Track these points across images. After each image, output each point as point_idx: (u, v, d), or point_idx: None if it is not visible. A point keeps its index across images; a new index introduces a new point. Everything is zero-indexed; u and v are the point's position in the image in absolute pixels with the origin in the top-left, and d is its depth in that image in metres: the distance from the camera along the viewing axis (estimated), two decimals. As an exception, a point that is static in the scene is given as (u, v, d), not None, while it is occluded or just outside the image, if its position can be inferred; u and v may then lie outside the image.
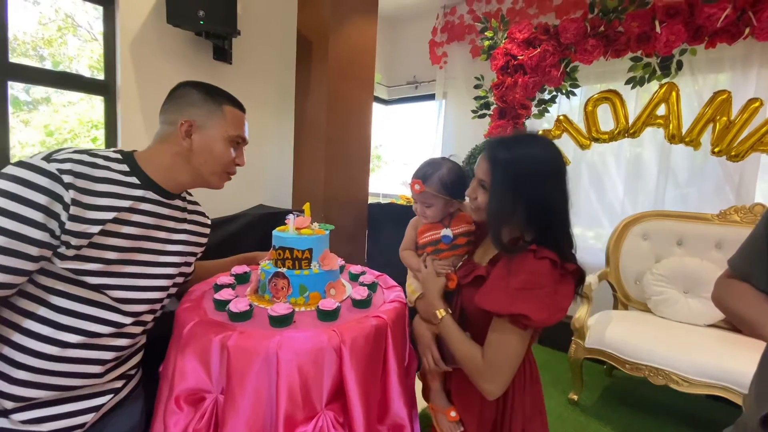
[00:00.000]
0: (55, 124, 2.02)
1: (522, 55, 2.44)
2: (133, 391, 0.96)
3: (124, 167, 0.83)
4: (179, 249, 0.93)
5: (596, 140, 2.33)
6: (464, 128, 3.23)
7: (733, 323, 0.81)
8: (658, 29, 2.04)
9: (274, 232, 1.09)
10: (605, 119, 2.27)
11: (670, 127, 2.09)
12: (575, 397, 2.02)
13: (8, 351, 0.74)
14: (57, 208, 0.69)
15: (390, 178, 4.30)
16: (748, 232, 0.81)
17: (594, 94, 2.28)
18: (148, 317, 0.91)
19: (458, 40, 3.22)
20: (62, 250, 0.72)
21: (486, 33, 2.56)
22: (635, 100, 2.50)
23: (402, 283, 1.23)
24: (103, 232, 0.75)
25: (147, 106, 1.89)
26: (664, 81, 2.12)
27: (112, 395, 0.87)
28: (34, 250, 0.68)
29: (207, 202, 2.07)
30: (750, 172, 2.19)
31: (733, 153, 1.95)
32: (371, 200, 2.62)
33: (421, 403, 1.12)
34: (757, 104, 1.89)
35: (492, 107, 2.64)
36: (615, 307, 2.29)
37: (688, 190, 2.41)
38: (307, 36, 2.27)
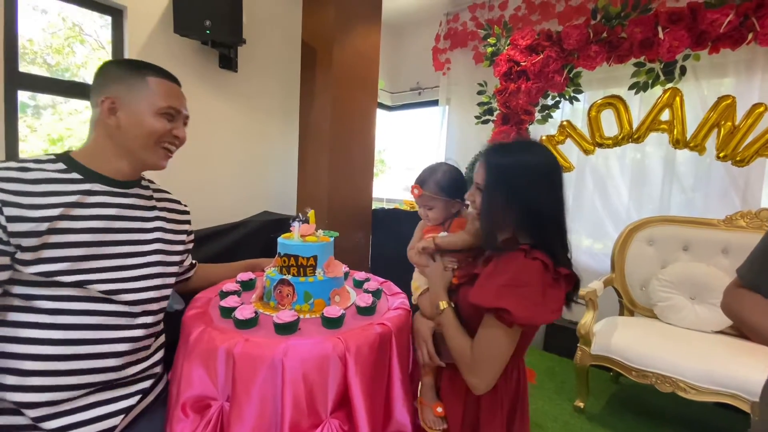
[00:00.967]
0: (59, 132, 2.04)
1: (525, 62, 2.45)
2: (161, 393, 0.96)
3: (60, 166, 0.82)
4: (157, 236, 0.94)
5: (600, 146, 2.32)
6: (468, 134, 3.23)
7: (744, 332, 0.81)
8: (661, 35, 2.04)
9: (279, 240, 1.10)
10: (609, 124, 2.27)
11: (675, 132, 2.09)
12: (581, 405, 2.00)
13: (15, 363, 0.75)
14: None
15: (394, 183, 4.31)
16: (754, 237, 0.82)
17: (597, 99, 2.28)
18: (153, 306, 0.91)
19: (461, 46, 3.23)
20: (20, 255, 0.74)
21: (489, 40, 2.58)
22: (639, 105, 2.50)
23: (406, 288, 1.24)
24: (54, 230, 0.76)
25: (154, 114, 1.91)
26: (667, 86, 2.12)
27: (140, 396, 0.88)
28: None
29: (213, 209, 2.11)
30: (756, 177, 2.17)
31: (738, 158, 1.94)
32: (375, 205, 2.63)
33: None
34: (761, 109, 1.89)
35: (495, 113, 2.64)
36: (621, 314, 2.27)
37: (694, 195, 2.39)
38: (311, 44, 2.30)
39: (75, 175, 0.82)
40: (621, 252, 2.25)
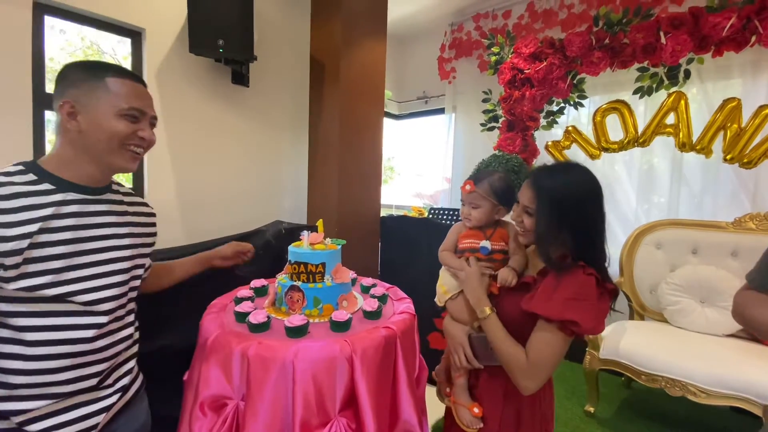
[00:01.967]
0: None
1: (528, 69, 2.49)
2: (139, 390, 0.99)
3: (30, 177, 0.79)
4: (128, 242, 0.93)
5: (606, 150, 2.34)
6: (474, 140, 3.27)
7: (754, 333, 0.81)
8: (663, 40, 2.06)
9: (290, 248, 1.16)
10: (615, 129, 2.29)
11: (680, 135, 2.10)
12: (591, 409, 2.00)
13: (2, 377, 0.76)
14: None
15: (403, 190, 4.37)
16: (763, 239, 0.83)
17: (602, 104, 2.30)
18: (121, 312, 0.91)
19: (466, 55, 3.29)
20: (3, 273, 0.73)
21: (492, 49, 2.63)
22: (644, 109, 2.51)
23: (413, 292, 1.27)
24: (34, 245, 0.75)
25: (171, 129, 2.01)
26: (672, 90, 2.13)
27: (120, 394, 0.91)
28: None
29: (227, 219, 2.19)
30: (765, 178, 2.16)
31: (745, 160, 1.94)
32: (384, 212, 2.68)
33: (434, 414, 1.14)
34: (767, 111, 1.89)
35: (500, 120, 2.68)
36: (631, 318, 2.26)
37: (703, 198, 2.38)
38: (319, 59, 2.38)
39: (46, 186, 0.80)
40: (629, 256, 2.25)
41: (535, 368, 0.85)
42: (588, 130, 2.40)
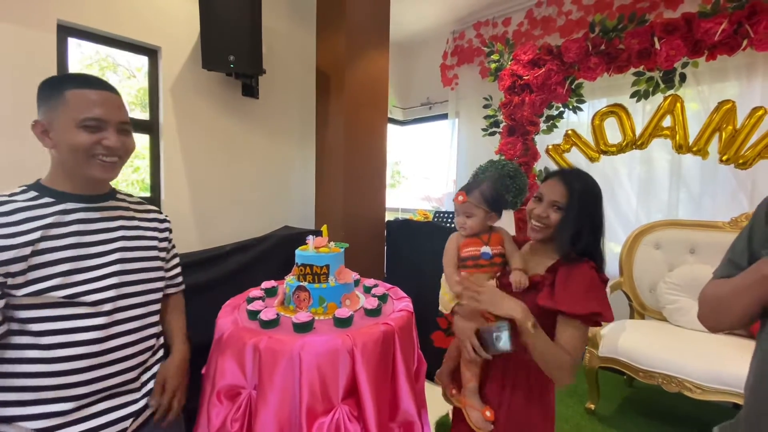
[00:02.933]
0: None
1: (527, 75, 2.56)
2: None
3: (31, 194, 0.85)
4: (137, 244, 0.97)
5: (605, 153, 2.39)
6: (477, 145, 3.35)
7: (723, 318, 0.79)
8: (657, 45, 2.11)
9: (297, 251, 1.25)
10: (614, 132, 2.34)
11: (677, 137, 2.15)
12: (592, 407, 2.05)
13: (20, 381, 0.80)
14: None
15: (410, 193, 4.46)
16: None
17: (601, 108, 2.36)
18: (138, 313, 0.95)
19: (468, 62, 3.37)
20: (11, 281, 0.78)
21: (492, 56, 2.70)
22: (642, 112, 2.56)
23: (417, 294, 1.33)
24: (37, 252, 0.80)
25: (185, 140, 2.13)
26: (668, 93, 2.18)
27: (148, 399, 0.96)
28: None
29: (238, 225, 2.30)
30: (763, 178, 2.19)
31: (741, 161, 1.98)
32: (391, 215, 2.76)
33: (435, 410, 1.18)
34: (761, 112, 1.93)
35: (501, 125, 2.75)
36: (631, 317, 2.31)
37: (702, 198, 2.42)
38: (325, 71, 2.49)
39: (47, 200, 0.85)
40: (628, 256, 2.30)
41: (576, 360, 0.92)
42: (587, 134, 2.45)
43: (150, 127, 2.09)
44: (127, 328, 0.92)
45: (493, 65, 2.72)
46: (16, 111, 1.57)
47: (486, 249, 1.07)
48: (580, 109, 2.59)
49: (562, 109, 2.65)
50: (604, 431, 1.93)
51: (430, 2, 3.15)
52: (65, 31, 1.74)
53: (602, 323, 0.94)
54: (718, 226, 2.09)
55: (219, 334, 1.09)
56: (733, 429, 0.83)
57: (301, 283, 1.20)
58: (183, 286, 1.18)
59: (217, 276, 1.72)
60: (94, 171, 0.87)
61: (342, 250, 1.28)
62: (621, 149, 2.35)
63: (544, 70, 2.50)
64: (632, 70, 2.28)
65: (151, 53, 2.07)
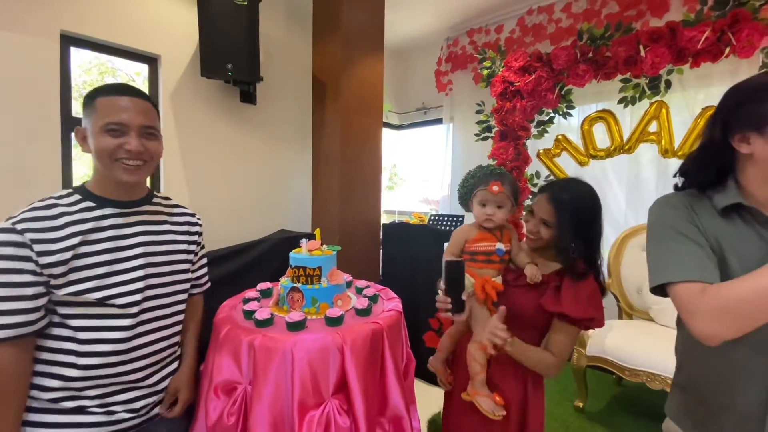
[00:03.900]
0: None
1: (518, 82, 2.62)
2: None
3: (75, 198, 0.92)
4: (165, 249, 1.02)
5: (594, 157, 2.46)
6: (471, 149, 3.40)
7: (745, 318, 0.64)
8: (642, 53, 2.18)
9: (291, 254, 1.31)
10: (603, 137, 2.41)
11: (663, 142, 2.21)
12: (580, 405, 2.11)
13: (58, 369, 0.88)
14: (24, 252, 0.81)
15: (407, 196, 4.53)
16: None
17: (591, 113, 2.42)
18: (161, 313, 1.01)
19: (461, 68, 3.44)
20: (54, 281, 0.84)
21: (484, 63, 2.77)
22: (630, 117, 2.62)
23: (412, 296, 1.36)
24: (77, 256, 0.86)
25: (184, 146, 2.19)
26: (654, 99, 2.25)
27: (161, 395, 1.02)
28: (28, 291, 0.82)
29: (236, 228, 2.35)
30: (746, 182, 2.25)
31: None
32: (388, 218, 2.82)
33: (426, 408, 1.21)
34: (711, 112, 1.99)
35: (494, 130, 2.82)
36: (620, 317, 2.36)
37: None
38: (321, 77, 2.55)
39: (88, 204, 0.92)
40: (616, 259, 2.36)
41: (561, 360, 1.01)
42: (577, 139, 2.52)
43: (150, 133, 2.14)
44: (151, 328, 0.98)
45: (485, 72, 2.78)
46: (19, 118, 1.62)
47: (500, 246, 1.07)
48: (570, 115, 2.65)
49: (552, 114, 2.71)
50: (592, 428, 1.99)
51: (424, 10, 3.22)
52: (68, 40, 1.80)
53: (594, 327, 1.00)
54: (702, 228, 2.15)
55: (216, 333, 1.15)
56: (670, 400, 0.97)
57: (295, 285, 1.26)
58: (208, 284, 1.25)
59: (216, 277, 1.77)
60: (119, 174, 0.92)
61: (334, 252, 1.33)
62: (609, 154, 2.41)
63: (534, 76, 2.56)
64: (619, 76, 2.35)
65: (151, 61, 2.13)
